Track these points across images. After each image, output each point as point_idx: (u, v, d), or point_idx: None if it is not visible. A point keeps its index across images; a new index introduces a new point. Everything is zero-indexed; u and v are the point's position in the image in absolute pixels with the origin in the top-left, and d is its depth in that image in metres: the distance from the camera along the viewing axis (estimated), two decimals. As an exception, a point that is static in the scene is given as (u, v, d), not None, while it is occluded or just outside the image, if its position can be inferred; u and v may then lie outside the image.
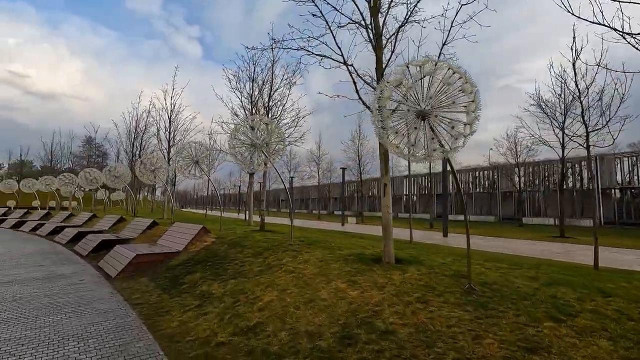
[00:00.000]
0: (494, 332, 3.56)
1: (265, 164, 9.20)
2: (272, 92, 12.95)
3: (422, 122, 4.64)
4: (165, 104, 19.28)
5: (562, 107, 15.91)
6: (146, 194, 58.11)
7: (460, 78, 4.47)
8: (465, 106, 4.50)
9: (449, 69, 4.57)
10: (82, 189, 41.62)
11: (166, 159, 16.15)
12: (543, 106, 16.75)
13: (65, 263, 9.63)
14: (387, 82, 4.78)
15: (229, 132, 15.92)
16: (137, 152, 21.50)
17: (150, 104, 22.68)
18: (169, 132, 18.74)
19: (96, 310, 5.49)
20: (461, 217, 45.66)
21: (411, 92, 4.66)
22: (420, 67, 4.63)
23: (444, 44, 6.34)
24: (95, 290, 6.78)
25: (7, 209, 27.96)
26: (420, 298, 4.47)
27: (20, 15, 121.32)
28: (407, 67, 4.75)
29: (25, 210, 26.70)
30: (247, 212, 14.71)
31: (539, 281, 5.03)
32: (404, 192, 60.51)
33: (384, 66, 6.46)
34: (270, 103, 13.01)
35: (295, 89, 17.78)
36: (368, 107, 6.30)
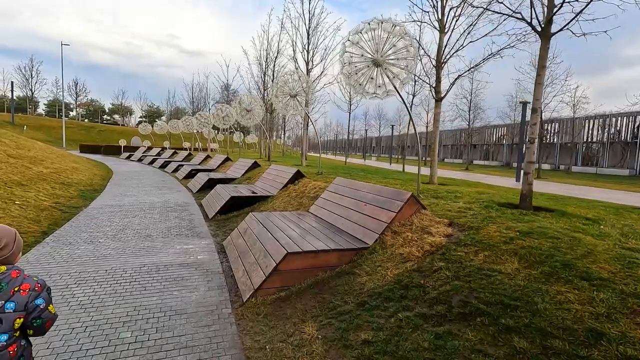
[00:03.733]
0: None
1: None
2: None
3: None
4: (302, 9, 14.34)
5: None
6: (275, 138, 58.97)
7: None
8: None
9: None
10: (222, 131, 43.37)
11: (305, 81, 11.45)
12: None
13: (182, 235, 6.17)
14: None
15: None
16: (270, 82, 17.81)
17: (284, 13, 18.09)
18: (307, 51, 14.17)
19: None
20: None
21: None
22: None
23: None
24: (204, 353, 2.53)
25: (160, 149, 29.80)
26: None
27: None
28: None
29: (173, 150, 27.67)
30: (431, 163, 9.23)
31: None
32: (583, 138, 45.04)
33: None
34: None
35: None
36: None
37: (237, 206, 8.00)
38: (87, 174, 13.66)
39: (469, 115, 35.77)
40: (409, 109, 6.08)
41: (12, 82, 48.30)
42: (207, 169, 15.72)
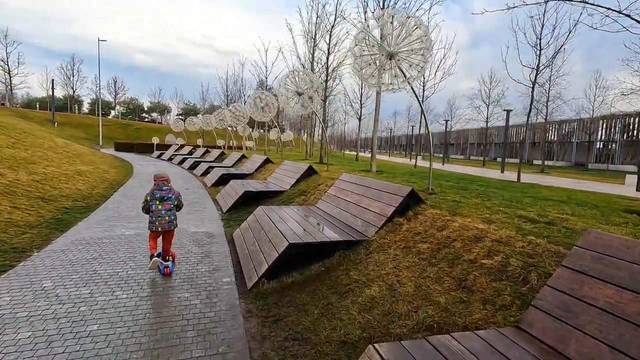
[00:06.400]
0: None
1: None
2: None
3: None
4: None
5: None
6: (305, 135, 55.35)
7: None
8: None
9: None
10: (257, 127, 40.34)
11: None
12: None
13: (192, 336, 2.47)
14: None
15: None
16: (324, 58, 13.82)
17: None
18: (382, 9, 10.18)
19: None
20: None
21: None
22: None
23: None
24: None
25: (192, 147, 27.14)
26: None
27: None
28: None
29: (206, 149, 24.81)
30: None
31: None
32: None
33: None
34: None
35: None
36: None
37: (298, 257, 4.23)
38: (92, 181, 10.59)
39: (546, 108, 29.83)
40: None
41: (52, 80, 48.41)
42: (242, 174, 12.25)
